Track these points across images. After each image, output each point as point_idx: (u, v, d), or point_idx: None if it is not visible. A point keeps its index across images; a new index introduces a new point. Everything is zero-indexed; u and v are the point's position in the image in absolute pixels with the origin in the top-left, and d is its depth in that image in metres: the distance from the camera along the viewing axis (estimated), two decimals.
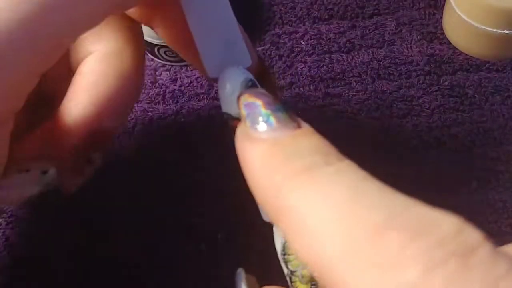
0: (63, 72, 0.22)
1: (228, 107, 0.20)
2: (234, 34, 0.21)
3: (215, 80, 0.21)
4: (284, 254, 0.20)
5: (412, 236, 0.12)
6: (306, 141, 0.16)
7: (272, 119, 0.17)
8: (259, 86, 0.20)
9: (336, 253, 0.13)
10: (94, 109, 0.21)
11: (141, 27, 0.24)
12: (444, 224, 0.12)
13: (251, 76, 0.20)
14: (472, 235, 0.12)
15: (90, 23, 0.18)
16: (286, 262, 0.20)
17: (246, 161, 0.16)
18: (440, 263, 0.11)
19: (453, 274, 0.11)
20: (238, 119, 0.19)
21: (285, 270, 0.20)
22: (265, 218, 0.22)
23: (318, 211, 0.14)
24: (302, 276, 0.19)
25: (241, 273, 0.22)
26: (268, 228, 0.28)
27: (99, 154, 0.22)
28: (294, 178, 0.15)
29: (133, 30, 0.23)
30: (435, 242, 0.12)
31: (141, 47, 0.23)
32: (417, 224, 0.12)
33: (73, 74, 0.22)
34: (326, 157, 0.15)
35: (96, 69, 0.22)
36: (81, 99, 0.21)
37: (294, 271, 0.20)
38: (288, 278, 0.20)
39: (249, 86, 0.19)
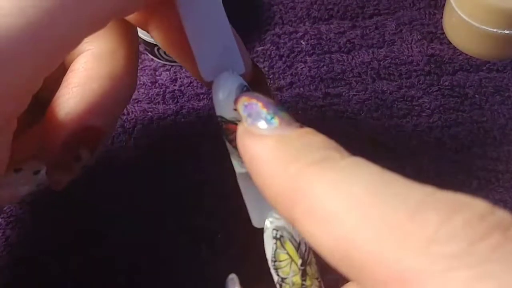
0: (58, 72, 0.22)
1: (223, 110, 0.20)
2: (229, 40, 0.22)
3: (210, 83, 0.21)
4: (275, 261, 0.20)
5: (449, 214, 0.12)
6: (316, 137, 0.16)
7: (275, 120, 0.17)
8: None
9: (369, 234, 0.13)
10: (84, 106, 0.21)
11: (136, 29, 0.24)
12: (476, 204, 0.13)
13: (245, 82, 0.20)
14: (503, 213, 0.13)
15: (93, 28, 0.19)
16: (276, 269, 0.20)
17: (252, 157, 0.17)
18: (484, 235, 0.12)
19: (497, 245, 0.12)
20: (231, 123, 0.20)
21: (275, 278, 0.20)
22: (256, 224, 0.22)
23: (343, 197, 0.14)
24: (293, 283, 0.19)
25: (234, 278, 0.22)
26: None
27: (88, 151, 0.22)
28: (311, 168, 0.15)
29: (127, 31, 0.23)
30: (474, 218, 0.12)
31: (135, 49, 0.24)
32: (450, 204, 0.13)
33: (66, 71, 0.22)
34: (339, 151, 0.16)
35: (88, 67, 0.22)
36: (72, 95, 0.21)
37: (284, 278, 0.20)
38: (278, 286, 0.20)
39: (244, 90, 0.20)
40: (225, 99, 0.20)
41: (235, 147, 0.20)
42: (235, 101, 0.19)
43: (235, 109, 0.19)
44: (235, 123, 0.20)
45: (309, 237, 0.15)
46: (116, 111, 0.23)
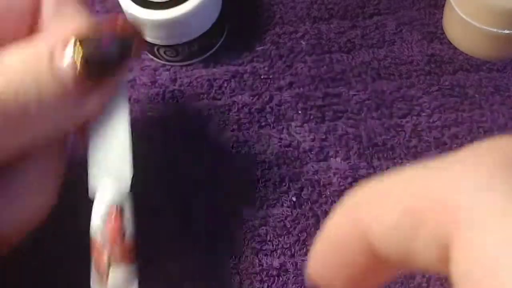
0: None
1: (93, 226, 0.22)
2: (123, 160, 0.25)
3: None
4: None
5: None
6: None
7: None
8: (125, 211, 0.23)
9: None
10: None
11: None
12: None
13: (119, 201, 0.23)
14: None
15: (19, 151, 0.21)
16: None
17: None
18: None
19: None
20: (95, 240, 0.22)
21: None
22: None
23: None
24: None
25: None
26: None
27: None
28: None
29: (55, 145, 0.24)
30: None
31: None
32: None
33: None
34: None
35: None
36: None
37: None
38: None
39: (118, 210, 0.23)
40: (97, 218, 0.22)
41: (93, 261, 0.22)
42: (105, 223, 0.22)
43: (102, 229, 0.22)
44: (97, 240, 0.22)
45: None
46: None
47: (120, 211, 0.22)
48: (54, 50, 0.21)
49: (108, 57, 0.22)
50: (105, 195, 0.23)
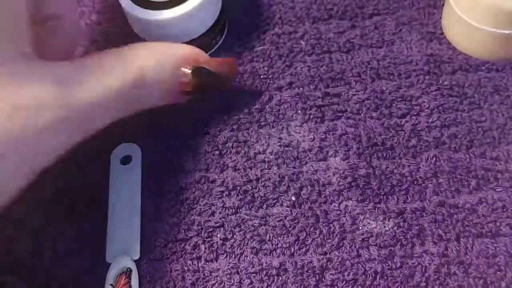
0: None
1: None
2: (135, 236, 0.30)
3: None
4: None
5: None
6: None
7: None
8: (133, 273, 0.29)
9: None
10: None
11: None
12: None
13: (129, 266, 0.29)
14: None
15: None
16: None
17: None
18: None
19: None
20: None
21: None
22: None
23: None
24: None
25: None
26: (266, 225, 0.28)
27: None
28: None
29: None
30: None
31: None
32: None
33: None
34: None
35: None
36: None
37: None
38: None
39: (125, 273, 0.29)
40: (112, 277, 0.29)
41: None
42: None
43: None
44: None
45: None
46: None
47: (129, 274, 0.29)
48: (180, 65, 0.29)
49: (210, 84, 0.31)
50: (118, 263, 0.29)
